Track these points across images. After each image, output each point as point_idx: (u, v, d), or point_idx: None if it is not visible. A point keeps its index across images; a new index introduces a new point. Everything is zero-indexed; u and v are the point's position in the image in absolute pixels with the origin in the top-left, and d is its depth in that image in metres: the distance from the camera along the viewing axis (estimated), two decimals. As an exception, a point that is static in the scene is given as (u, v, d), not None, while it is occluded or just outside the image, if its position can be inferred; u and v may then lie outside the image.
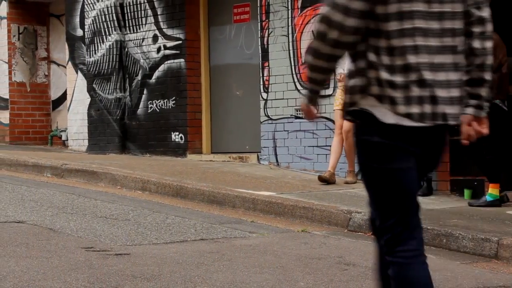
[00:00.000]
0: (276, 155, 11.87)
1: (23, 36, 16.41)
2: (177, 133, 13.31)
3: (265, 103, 11.98)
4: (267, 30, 11.97)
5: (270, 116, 11.92)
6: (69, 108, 15.39)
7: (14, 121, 16.23)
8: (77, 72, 15.14)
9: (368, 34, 3.40)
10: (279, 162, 11.83)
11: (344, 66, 10.37)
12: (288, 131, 11.70)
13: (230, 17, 13.07)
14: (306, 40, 11.46)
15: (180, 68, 13.25)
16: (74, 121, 15.16)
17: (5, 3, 16.29)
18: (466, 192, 9.54)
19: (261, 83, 12.08)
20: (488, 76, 3.61)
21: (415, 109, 3.36)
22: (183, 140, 13.24)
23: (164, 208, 9.01)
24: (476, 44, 3.57)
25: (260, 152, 12.18)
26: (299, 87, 11.57)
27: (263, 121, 12.05)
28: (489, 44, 3.58)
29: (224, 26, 13.14)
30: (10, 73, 16.23)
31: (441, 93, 3.40)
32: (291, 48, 11.66)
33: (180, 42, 13.24)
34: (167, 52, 13.41)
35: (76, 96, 15.14)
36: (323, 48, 3.41)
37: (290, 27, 11.68)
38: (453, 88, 3.45)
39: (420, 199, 10.40)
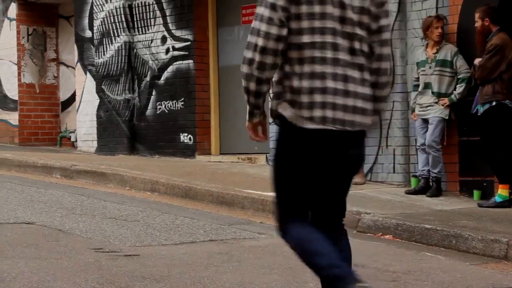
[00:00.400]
0: (285, 156, 11.85)
1: (32, 37, 16.45)
2: (185, 134, 13.33)
3: (274, 104, 11.96)
4: (275, 31, 11.95)
5: (279, 117, 11.90)
6: (78, 109, 15.42)
7: (23, 122, 16.27)
8: (86, 73, 15.17)
9: (287, 48, 3.76)
10: (288, 163, 11.80)
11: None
12: (297, 132, 11.69)
13: (238, 18, 13.08)
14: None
15: (189, 69, 13.26)
16: (83, 122, 15.19)
17: (14, 4, 16.34)
18: (476, 193, 9.51)
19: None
20: (377, 105, 3.93)
21: (317, 113, 3.73)
22: (191, 141, 13.25)
23: (173, 209, 9.02)
24: (372, 78, 3.88)
25: (269, 153, 12.17)
26: (307, 88, 11.56)
27: (271, 122, 12.01)
28: (382, 80, 3.91)
29: (233, 27, 13.15)
30: (19, 74, 16.27)
31: (346, 101, 3.76)
32: (299, 49, 11.65)
33: (189, 43, 13.25)
34: (176, 53, 13.43)
35: (85, 97, 15.17)
36: (255, 56, 3.74)
37: (298, 28, 11.66)
38: (359, 99, 3.79)
39: (430, 200, 10.32)
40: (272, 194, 3.90)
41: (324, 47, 3.74)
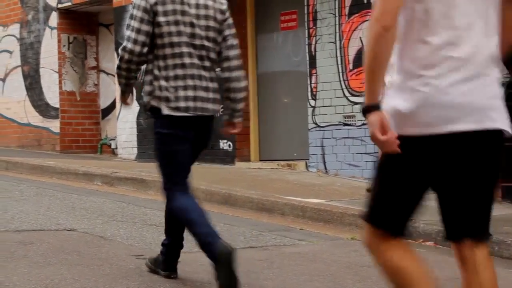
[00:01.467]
0: (324, 162, 11.85)
1: (72, 45, 16.60)
2: (225, 141, 13.35)
3: (313, 110, 11.97)
4: (314, 37, 11.96)
5: (318, 123, 11.90)
6: (118, 117, 15.52)
7: (64, 130, 16.41)
8: (126, 81, 15.24)
9: (154, 58, 5.32)
10: (328, 170, 11.79)
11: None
12: (336, 138, 11.67)
13: (277, 24, 13.08)
14: (353, 47, 11.42)
15: (228, 76, 13.27)
16: (123, 129, 15.28)
17: (55, 13, 16.51)
18: (518, 199, 9.42)
19: (309, 90, 12.07)
20: (236, 95, 5.53)
21: (181, 104, 5.29)
22: (231, 148, 13.27)
23: (212, 216, 8.94)
24: (224, 74, 5.51)
25: (308, 159, 12.16)
26: (347, 94, 11.53)
27: (311, 128, 12.03)
28: (235, 74, 5.49)
29: (272, 33, 13.16)
30: (60, 82, 16.42)
31: (201, 94, 5.34)
32: (338, 55, 11.63)
33: (228, 50, 13.26)
34: (215, 60, 13.45)
35: (125, 104, 15.23)
36: (122, 64, 5.37)
37: (337, 34, 11.65)
38: (210, 92, 5.40)
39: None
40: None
41: (183, 55, 5.28)
